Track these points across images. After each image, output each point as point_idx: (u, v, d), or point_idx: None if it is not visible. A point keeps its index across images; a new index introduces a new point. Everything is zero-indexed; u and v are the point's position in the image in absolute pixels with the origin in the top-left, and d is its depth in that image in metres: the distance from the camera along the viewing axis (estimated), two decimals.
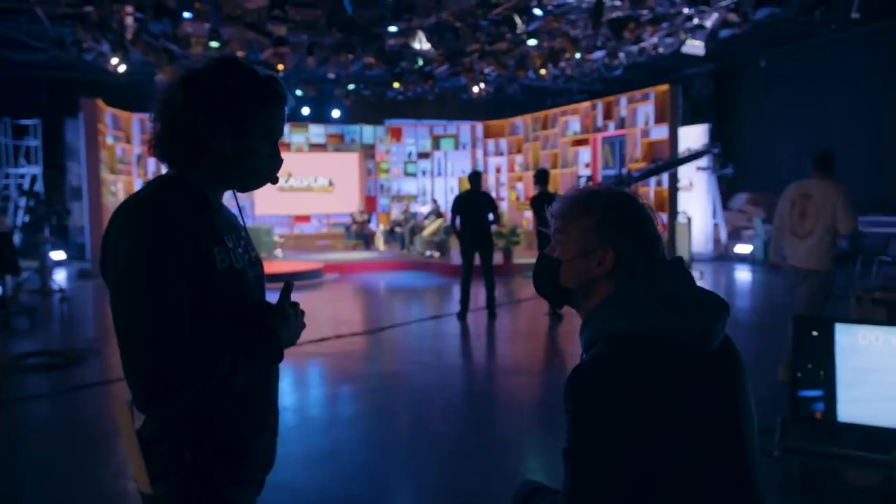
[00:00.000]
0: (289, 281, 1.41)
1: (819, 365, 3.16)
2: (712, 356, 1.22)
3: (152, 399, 1.18)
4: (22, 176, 12.81)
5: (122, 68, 10.48)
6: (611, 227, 1.26)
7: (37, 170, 13.07)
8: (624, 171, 9.04)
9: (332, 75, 13.01)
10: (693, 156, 8.83)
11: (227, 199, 1.48)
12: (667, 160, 9.36)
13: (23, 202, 11.74)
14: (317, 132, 16.04)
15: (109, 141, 12.66)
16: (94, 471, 3.65)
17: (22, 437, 4.32)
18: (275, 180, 1.44)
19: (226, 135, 1.30)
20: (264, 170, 1.39)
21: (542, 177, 7.46)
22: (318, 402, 5.01)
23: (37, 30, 10.22)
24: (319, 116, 16.03)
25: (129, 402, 1.30)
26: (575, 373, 1.18)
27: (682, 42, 10.85)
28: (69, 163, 13.69)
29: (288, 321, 1.36)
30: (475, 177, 7.90)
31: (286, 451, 3.85)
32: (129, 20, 9.38)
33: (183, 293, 1.21)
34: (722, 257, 12.87)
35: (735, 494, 1.19)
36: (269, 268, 11.19)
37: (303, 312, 1.43)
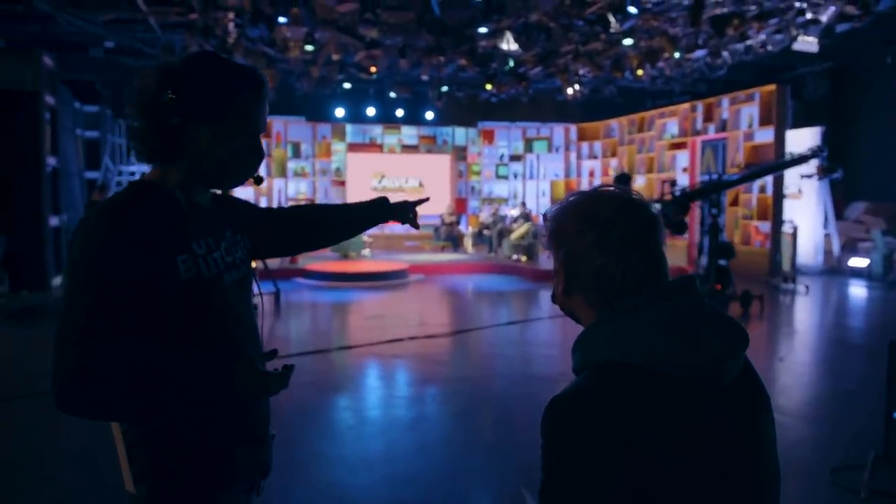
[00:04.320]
0: (275, 350, 1.33)
1: None
2: (724, 393, 1.03)
3: (59, 405, 1.19)
4: (133, 173, 13.73)
5: None
6: (566, 236, 1.10)
7: (146, 167, 13.97)
8: (714, 176, 8.48)
9: (425, 77, 13.09)
10: (795, 160, 8.14)
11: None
12: (763, 164, 8.69)
13: None
14: (409, 133, 16.21)
15: None
16: None
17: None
18: (258, 179, 1.42)
19: (200, 120, 1.27)
20: (241, 160, 1.34)
21: (621, 182, 7.12)
22: (381, 403, 4.99)
23: (150, 37, 10.91)
24: (413, 118, 16.20)
25: None
26: (553, 404, 1.03)
27: (794, 39, 10.11)
28: None
29: (254, 382, 1.24)
30: None
31: (339, 453, 3.86)
32: (231, 26, 9.83)
33: (122, 312, 1.19)
34: (833, 271, 11.88)
35: None
36: (356, 267, 11.44)
37: (285, 378, 1.28)
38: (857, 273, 11.41)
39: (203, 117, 1.27)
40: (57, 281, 9.08)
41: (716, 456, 1.01)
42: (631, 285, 1.06)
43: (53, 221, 8.98)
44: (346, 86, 13.87)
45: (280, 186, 15.36)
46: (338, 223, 1.80)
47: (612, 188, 1.13)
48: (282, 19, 9.42)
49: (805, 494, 3.31)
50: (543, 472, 1.01)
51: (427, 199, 1.84)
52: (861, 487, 2.84)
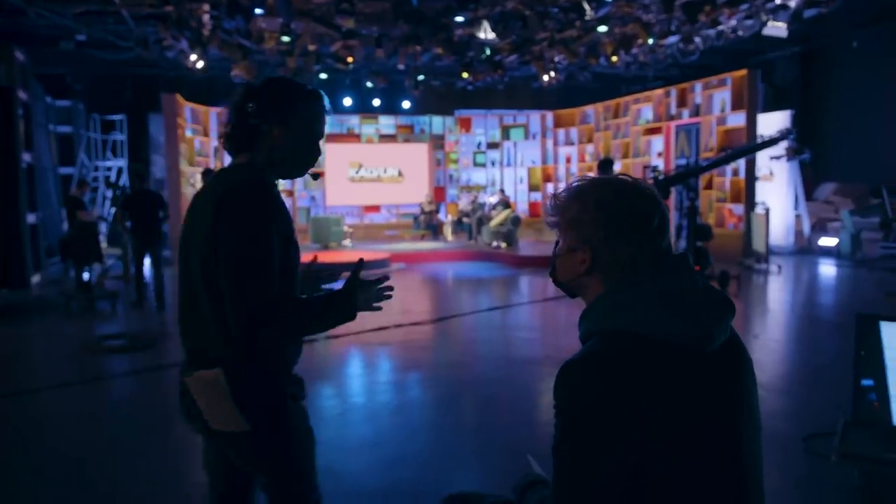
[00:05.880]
0: (361, 259, 1.79)
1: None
2: (714, 359, 1.16)
3: (248, 331, 1.56)
4: (109, 168, 13.58)
5: (200, 64, 10.91)
6: (598, 223, 1.21)
7: (122, 163, 13.84)
8: (692, 160, 8.67)
9: (401, 66, 13.10)
10: (766, 143, 8.36)
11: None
12: (737, 148, 8.92)
13: (109, 193, 12.43)
14: (387, 123, 16.23)
15: (188, 134, 13.24)
16: (163, 445, 3.84)
17: (103, 414, 4.58)
18: (314, 175, 1.99)
19: (273, 122, 1.74)
20: (303, 157, 1.81)
21: (605, 167, 7.26)
22: (367, 390, 5.08)
23: (122, 30, 10.78)
24: (390, 107, 16.20)
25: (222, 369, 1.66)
26: (565, 368, 1.14)
27: (764, 24, 10.31)
28: (154, 155, 14.42)
29: (363, 289, 1.72)
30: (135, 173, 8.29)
31: (329, 439, 3.94)
32: (206, 17, 9.75)
33: (278, 255, 1.65)
34: (804, 251, 12.20)
35: None
36: (337, 257, 11.46)
37: (385, 286, 1.80)
38: (826, 252, 11.73)
39: (275, 121, 1.74)
40: (36, 279, 8.99)
41: (708, 414, 1.13)
42: (643, 267, 1.19)
43: (30, 218, 8.88)
44: (323, 76, 13.82)
45: None
46: None
47: (626, 177, 1.25)
48: (258, 10, 9.37)
49: (780, 463, 3.48)
50: (556, 431, 1.12)
51: None
52: (832, 453, 2.99)
